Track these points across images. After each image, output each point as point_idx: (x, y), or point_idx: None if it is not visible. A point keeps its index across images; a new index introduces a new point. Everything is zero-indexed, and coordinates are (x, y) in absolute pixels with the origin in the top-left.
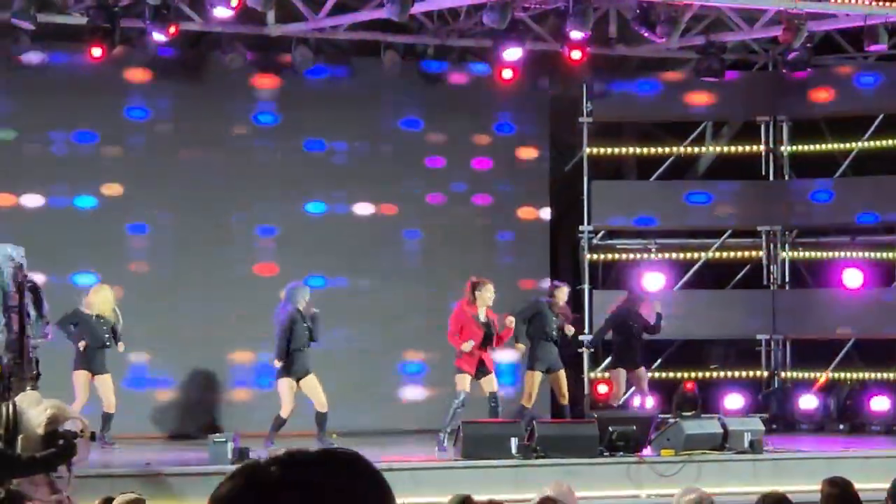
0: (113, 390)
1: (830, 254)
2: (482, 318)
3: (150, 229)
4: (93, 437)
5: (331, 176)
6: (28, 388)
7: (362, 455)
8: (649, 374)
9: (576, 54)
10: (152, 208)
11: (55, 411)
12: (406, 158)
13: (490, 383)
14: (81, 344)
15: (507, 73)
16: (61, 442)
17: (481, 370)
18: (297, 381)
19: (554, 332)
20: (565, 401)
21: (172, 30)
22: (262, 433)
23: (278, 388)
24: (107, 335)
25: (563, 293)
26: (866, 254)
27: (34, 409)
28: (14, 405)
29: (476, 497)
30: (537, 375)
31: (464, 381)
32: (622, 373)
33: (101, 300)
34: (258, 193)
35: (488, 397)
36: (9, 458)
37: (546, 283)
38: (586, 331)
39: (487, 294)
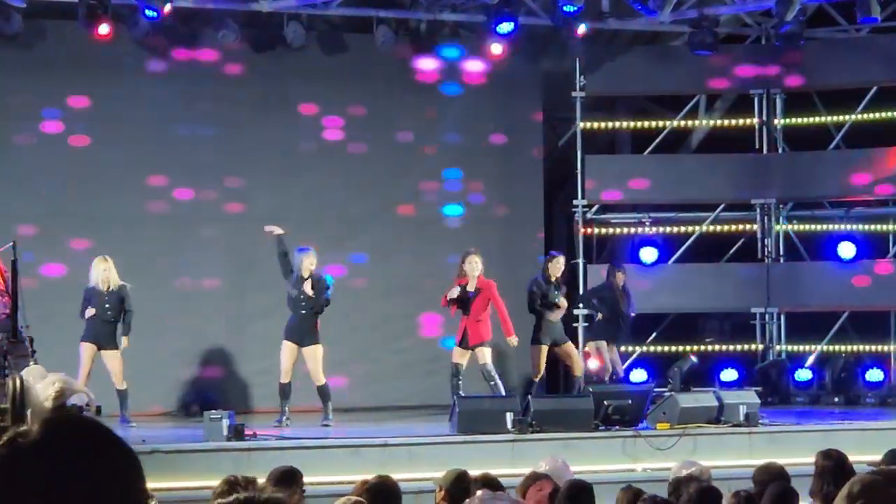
0: (120, 366)
1: (824, 226)
2: (470, 288)
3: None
4: (98, 410)
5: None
6: (32, 363)
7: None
8: (644, 349)
9: (581, 28)
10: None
11: (62, 385)
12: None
13: (460, 355)
14: (88, 312)
15: (497, 49)
16: None
17: (463, 340)
18: (297, 347)
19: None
20: (580, 372)
21: (168, 7)
22: (263, 409)
23: None
24: (108, 309)
25: (557, 264)
26: (860, 226)
27: (40, 383)
28: (21, 379)
29: (472, 472)
30: (543, 349)
31: (453, 352)
32: (604, 345)
33: (95, 272)
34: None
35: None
36: None
37: (540, 258)
38: (581, 305)
39: (468, 266)
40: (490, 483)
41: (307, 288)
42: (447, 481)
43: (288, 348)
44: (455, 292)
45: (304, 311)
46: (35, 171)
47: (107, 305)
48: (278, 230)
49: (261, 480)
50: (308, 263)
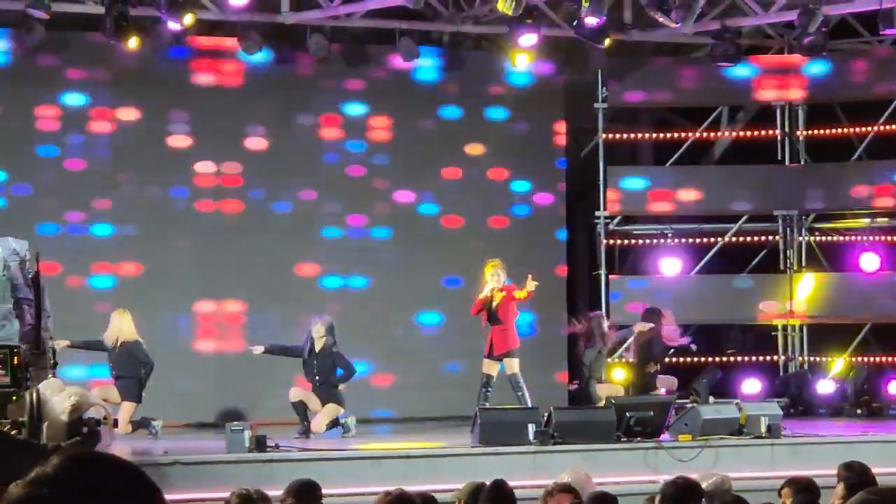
0: (126, 416)
1: (847, 237)
2: (489, 296)
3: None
4: (115, 423)
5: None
6: (50, 375)
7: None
8: (665, 359)
9: (606, 41)
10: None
11: (79, 399)
12: (421, 145)
13: (489, 366)
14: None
15: (522, 60)
16: (85, 430)
17: (490, 351)
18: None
19: None
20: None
21: (188, 19)
22: (276, 421)
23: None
24: (112, 367)
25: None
26: (883, 237)
27: (57, 396)
28: (37, 392)
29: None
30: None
31: (483, 364)
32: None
33: (109, 325)
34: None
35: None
36: (34, 447)
37: (562, 270)
38: (603, 312)
39: (491, 275)
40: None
41: (314, 360)
42: (465, 494)
43: (304, 392)
44: (487, 290)
45: (317, 381)
46: (62, 180)
47: (111, 363)
48: (259, 349)
49: (279, 493)
50: (314, 332)
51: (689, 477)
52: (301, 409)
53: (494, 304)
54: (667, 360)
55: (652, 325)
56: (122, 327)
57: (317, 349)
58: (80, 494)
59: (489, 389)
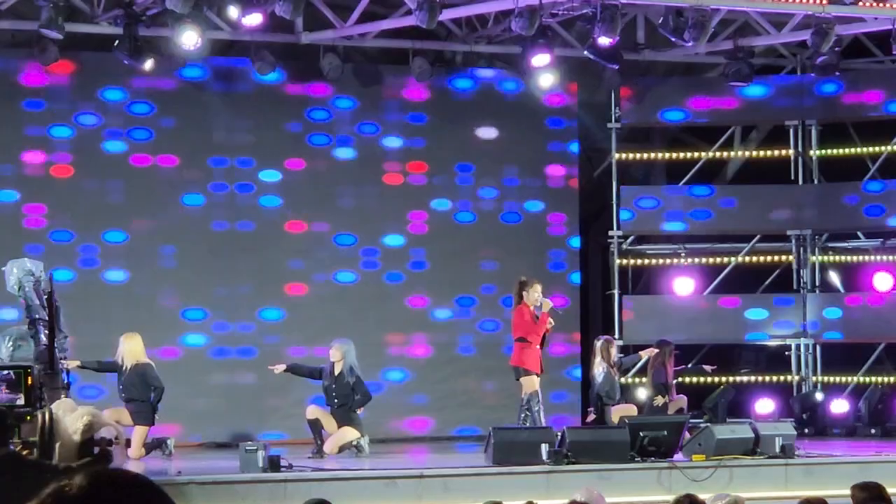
0: (138, 440)
1: (860, 258)
2: (545, 310)
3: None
4: (128, 444)
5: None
6: (63, 395)
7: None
8: (679, 379)
9: (614, 64)
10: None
11: (91, 419)
12: (430, 163)
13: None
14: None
15: (546, 81)
16: (97, 450)
17: (543, 369)
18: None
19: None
20: None
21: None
22: (298, 441)
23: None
24: (122, 390)
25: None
26: None
27: (69, 416)
28: (50, 412)
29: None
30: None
31: (533, 382)
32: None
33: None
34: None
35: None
36: (47, 468)
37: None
38: (617, 335)
39: (535, 294)
40: None
41: (333, 383)
42: None
43: (321, 411)
44: (546, 307)
45: (335, 403)
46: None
47: (121, 386)
48: (280, 368)
49: None
50: (332, 355)
51: (695, 495)
52: (316, 427)
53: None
54: (680, 379)
55: (657, 351)
56: (132, 350)
57: (336, 372)
58: None
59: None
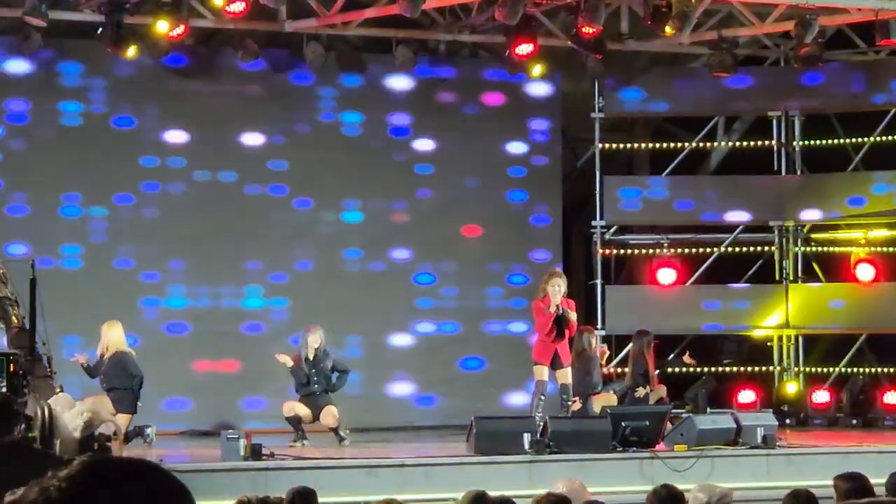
0: (122, 426)
1: (843, 249)
2: (552, 309)
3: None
4: (126, 439)
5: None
6: (59, 390)
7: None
8: (661, 369)
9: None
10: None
11: (90, 415)
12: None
13: (564, 375)
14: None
15: (536, 71)
16: (96, 446)
17: (556, 362)
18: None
19: None
20: None
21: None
22: (279, 430)
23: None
24: (102, 380)
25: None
26: (879, 248)
27: (67, 412)
28: (49, 409)
29: (490, 493)
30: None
31: (541, 372)
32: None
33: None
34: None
35: (560, 389)
36: (55, 458)
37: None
38: (599, 325)
39: (555, 287)
40: None
41: (311, 369)
42: (466, 503)
43: (296, 404)
44: (553, 308)
45: (316, 389)
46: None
47: (102, 375)
48: (289, 361)
49: (277, 495)
50: (313, 341)
51: (673, 486)
52: (295, 422)
53: (561, 313)
54: (662, 369)
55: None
56: (112, 338)
57: (312, 357)
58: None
59: (544, 398)
